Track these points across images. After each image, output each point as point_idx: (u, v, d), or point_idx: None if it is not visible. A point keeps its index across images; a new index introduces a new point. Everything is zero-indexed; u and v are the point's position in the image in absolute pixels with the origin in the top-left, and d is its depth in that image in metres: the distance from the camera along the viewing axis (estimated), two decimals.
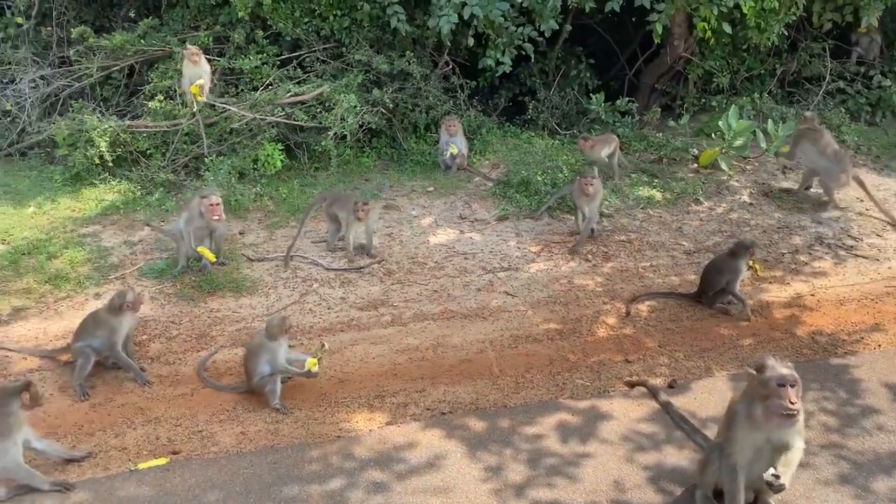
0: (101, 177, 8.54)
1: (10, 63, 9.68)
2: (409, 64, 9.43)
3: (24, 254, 7.18)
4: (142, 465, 4.76)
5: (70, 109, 9.10)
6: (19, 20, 9.81)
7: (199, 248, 6.96)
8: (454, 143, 9.07)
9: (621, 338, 6.34)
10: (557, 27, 9.24)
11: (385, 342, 6.22)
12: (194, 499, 4.50)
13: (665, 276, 7.28)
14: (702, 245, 7.82)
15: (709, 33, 9.18)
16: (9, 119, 9.22)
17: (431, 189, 8.84)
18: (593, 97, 10.08)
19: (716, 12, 8.80)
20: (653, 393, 5.55)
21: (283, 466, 4.78)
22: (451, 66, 10.01)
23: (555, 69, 10.64)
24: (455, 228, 8.09)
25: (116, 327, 5.64)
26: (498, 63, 9.28)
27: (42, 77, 9.48)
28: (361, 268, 7.27)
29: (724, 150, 9.13)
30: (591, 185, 7.52)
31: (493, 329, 6.42)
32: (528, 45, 9.33)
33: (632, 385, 5.72)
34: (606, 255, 7.61)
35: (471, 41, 9.23)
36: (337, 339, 6.23)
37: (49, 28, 9.85)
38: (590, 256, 7.57)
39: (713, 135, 9.43)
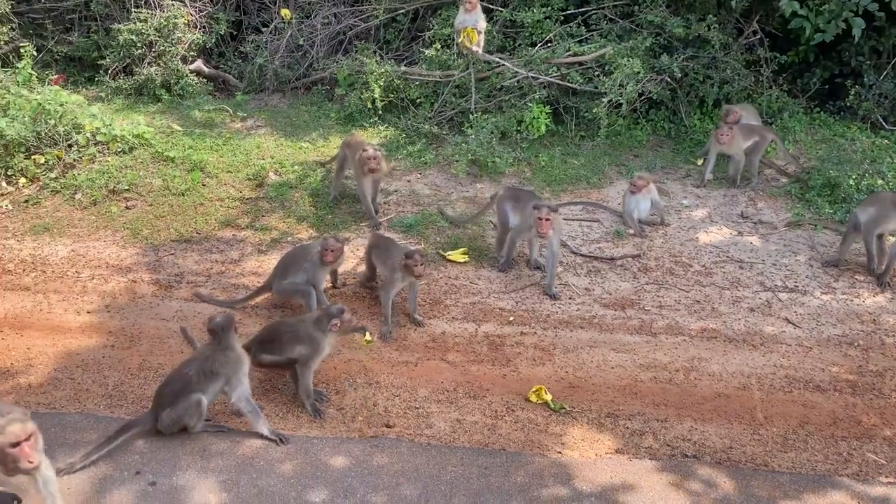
0: (371, 120, 8.64)
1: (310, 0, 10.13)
2: (709, 29, 8.23)
3: (290, 187, 7.44)
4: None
5: (354, 49, 9.33)
6: None
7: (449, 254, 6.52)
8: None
9: None
10: None
11: (629, 351, 5.44)
12: (395, 487, 4.21)
13: None
14: None
15: None
16: (300, 53, 9.66)
17: (710, 176, 7.67)
18: None
19: None
20: None
21: (494, 475, 4.30)
22: (758, 36, 8.59)
23: (892, 49, 8.69)
24: (733, 228, 6.93)
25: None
26: (816, 31, 7.71)
27: (334, 15, 9.78)
28: (614, 258, 6.48)
29: None
30: None
31: (764, 363, 5.32)
32: (857, 20, 7.60)
33: None
34: None
35: (787, 7, 7.74)
36: (573, 337, 5.58)
37: None
38: None
39: None
